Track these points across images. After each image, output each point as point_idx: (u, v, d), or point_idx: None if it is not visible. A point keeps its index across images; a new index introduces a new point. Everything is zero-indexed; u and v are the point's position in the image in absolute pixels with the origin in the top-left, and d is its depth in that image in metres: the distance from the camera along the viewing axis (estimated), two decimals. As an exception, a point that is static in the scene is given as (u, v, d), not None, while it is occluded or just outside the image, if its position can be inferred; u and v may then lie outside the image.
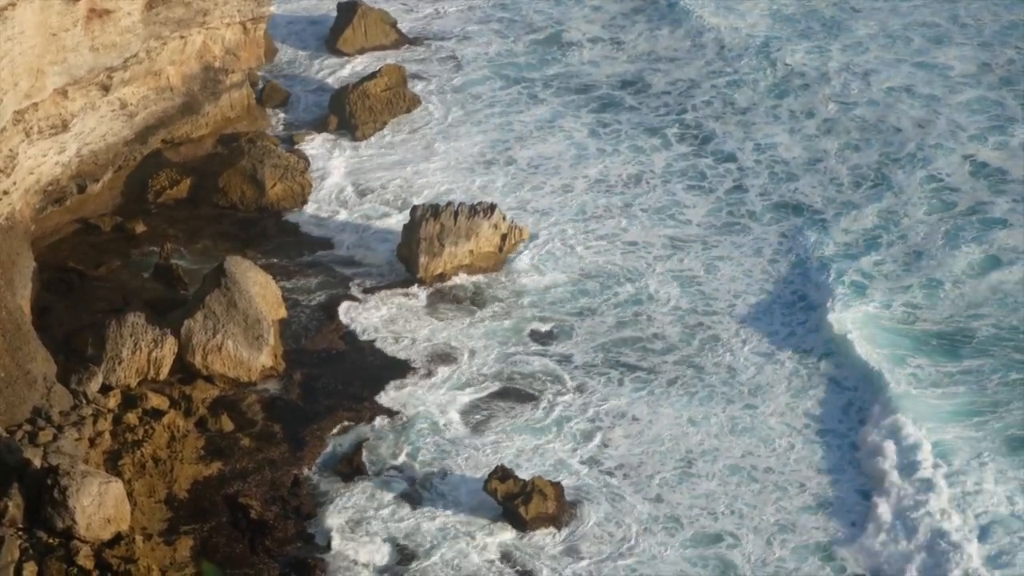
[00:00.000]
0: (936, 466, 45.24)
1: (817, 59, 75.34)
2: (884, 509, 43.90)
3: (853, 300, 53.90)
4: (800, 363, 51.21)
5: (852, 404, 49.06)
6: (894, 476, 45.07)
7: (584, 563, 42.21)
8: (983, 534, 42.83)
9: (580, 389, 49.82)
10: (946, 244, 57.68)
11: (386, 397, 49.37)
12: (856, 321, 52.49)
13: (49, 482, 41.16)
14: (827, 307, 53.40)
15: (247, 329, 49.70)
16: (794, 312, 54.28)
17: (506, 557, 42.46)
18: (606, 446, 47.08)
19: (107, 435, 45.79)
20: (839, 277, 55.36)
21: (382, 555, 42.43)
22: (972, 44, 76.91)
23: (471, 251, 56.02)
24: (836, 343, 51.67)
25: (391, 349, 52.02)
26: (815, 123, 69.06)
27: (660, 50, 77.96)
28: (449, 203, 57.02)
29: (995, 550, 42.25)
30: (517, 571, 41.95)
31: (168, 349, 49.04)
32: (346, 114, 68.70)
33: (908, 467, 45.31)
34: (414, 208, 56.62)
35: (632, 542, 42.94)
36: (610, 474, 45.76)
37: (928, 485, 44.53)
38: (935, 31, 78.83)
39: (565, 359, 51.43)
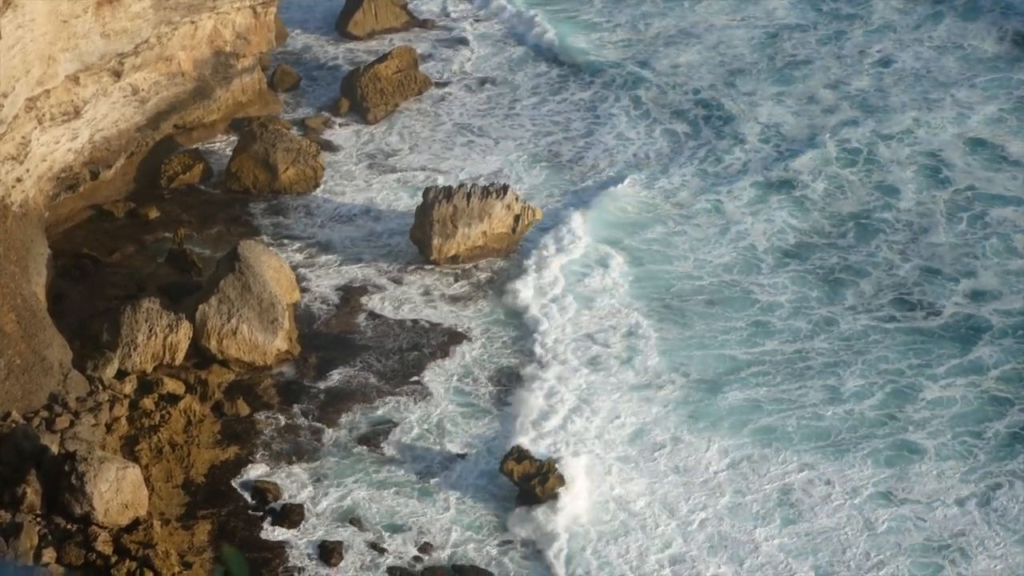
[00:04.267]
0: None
1: (833, 44, 74.79)
2: None
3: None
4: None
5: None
6: None
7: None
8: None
9: (590, 370, 49.73)
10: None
11: (401, 379, 49.42)
12: None
13: (66, 468, 41.25)
14: None
15: (262, 313, 49.74)
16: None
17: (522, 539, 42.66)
18: (617, 428, 47.00)
19: (124, 421, 45.88)
20: None
21: (400, 536, 42.49)
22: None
23: (484, 232, 55.94)
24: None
25: (405, 331, 52.02)
26: (817, 108, 68.65)
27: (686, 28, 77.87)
28: (462, 184, 56.97)
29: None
30: (529, 550, 42.18)
31: (183, 334, 49.09)
32: (357, 97, 68.65)
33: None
34: (427, 190, 56.57)
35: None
36: (623, 454, 45.71)
37: None
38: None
39: (580, 342, 51.48)
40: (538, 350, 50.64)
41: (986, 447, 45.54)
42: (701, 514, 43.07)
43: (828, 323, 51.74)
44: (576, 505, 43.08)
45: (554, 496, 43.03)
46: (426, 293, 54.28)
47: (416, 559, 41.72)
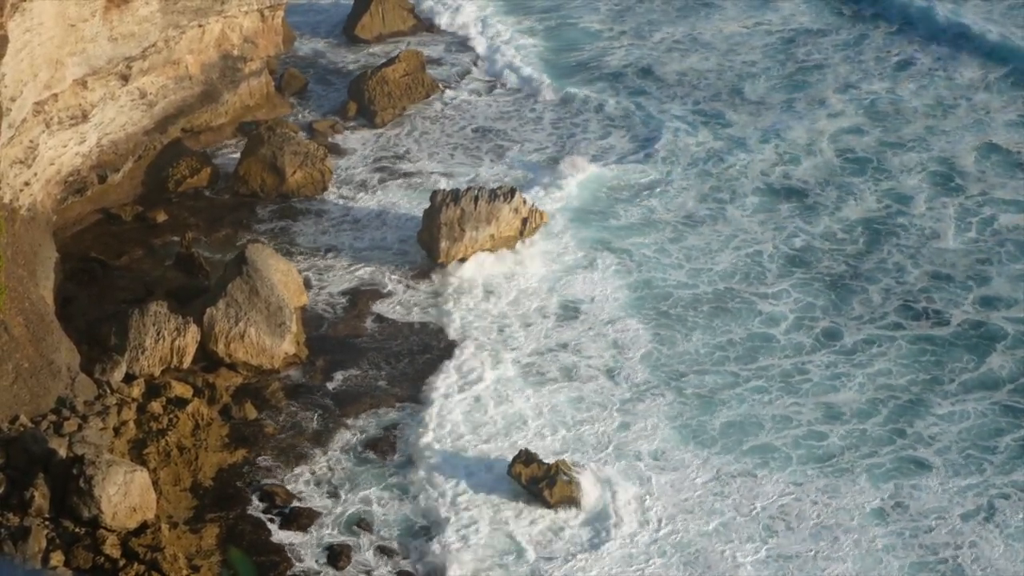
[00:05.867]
0: None
1: (851, 48, 74.35)
2: None
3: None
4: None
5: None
6: None
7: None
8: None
9: (580, 382, 49.27)
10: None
11: (409, 383, 49.32)
12: None
13: (75, 472, 41.20)
14: None
15: (269, 316, 49.71)
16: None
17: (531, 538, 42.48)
18: (606, 443, 46.43)
19: (132, 424, 45.83)
20: None
21: (409, 540, 42.37)
22: None
23: (492, 235, 55.90)
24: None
25: (413, 334, 51.95)
26: (824, 112, 68.18)
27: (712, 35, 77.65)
28: (469, 187, 56.93)
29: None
30: (542, 552, 41.97)
31: (191, 338, 49.06)
32: (365, 100, 68.65)
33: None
34: (434, 193, 56.54)
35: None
36: (613, 469, 45.12)
37: None
38: None
39: (583, 346, 51.28)
40: (524, 360, 50.37)
41: (996, 460, 44.57)
42: (687, 533, 42.11)
43: (833, 335, 50.91)
44: (557, 517, 42.79)
45: (559, 503, 42.93)
46: (434, 296, 54.19)
47: (426, 563, 41.60)
